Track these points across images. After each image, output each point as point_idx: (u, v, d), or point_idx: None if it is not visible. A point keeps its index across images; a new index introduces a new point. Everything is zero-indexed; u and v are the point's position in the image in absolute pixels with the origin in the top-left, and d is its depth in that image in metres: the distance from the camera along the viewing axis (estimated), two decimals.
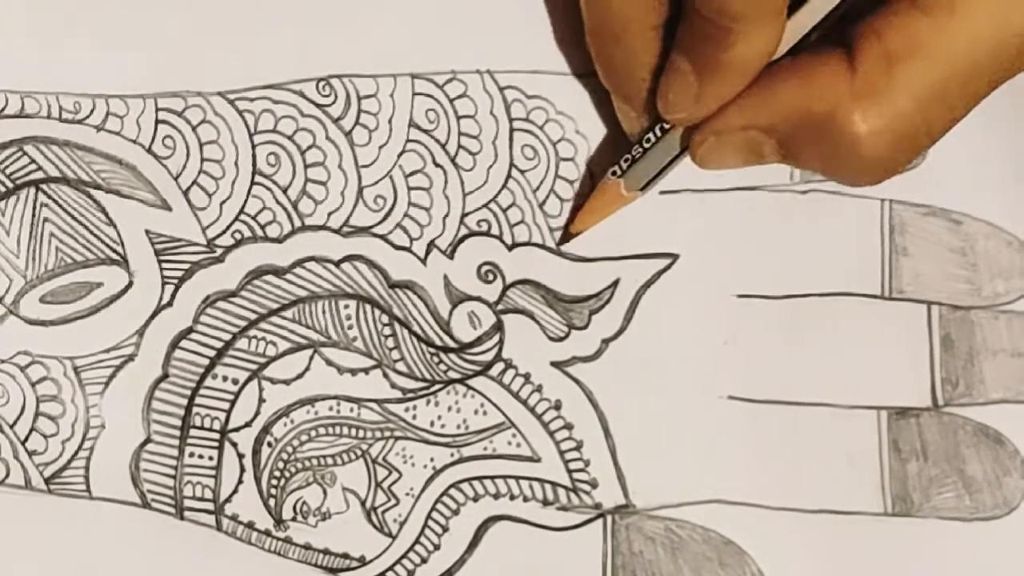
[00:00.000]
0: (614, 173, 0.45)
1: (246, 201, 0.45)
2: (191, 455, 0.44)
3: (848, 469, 0.48)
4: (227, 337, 0.45)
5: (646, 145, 0.44)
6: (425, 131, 0.46)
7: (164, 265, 0.45)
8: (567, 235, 0.47)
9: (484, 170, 0.46)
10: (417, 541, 0.46)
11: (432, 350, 0.46)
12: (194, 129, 0.45)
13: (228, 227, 0.45)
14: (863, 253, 0.48)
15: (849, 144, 0.41)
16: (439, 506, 0.46)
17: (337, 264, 0.46)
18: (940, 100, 0.41)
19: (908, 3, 0.41)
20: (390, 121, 0.46)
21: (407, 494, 0.46)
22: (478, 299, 0.46)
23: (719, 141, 0.42)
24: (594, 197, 0.46)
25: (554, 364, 0.47)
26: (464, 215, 0.46)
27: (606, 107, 0.47)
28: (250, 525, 0.45)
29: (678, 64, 0.42)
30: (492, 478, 0.46)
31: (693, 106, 0.42)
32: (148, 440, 0.44)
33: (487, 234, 0.46)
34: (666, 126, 0.44)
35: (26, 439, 0.44)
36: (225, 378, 0.45)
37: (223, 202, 0.45)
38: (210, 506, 0.45)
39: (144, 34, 0.45)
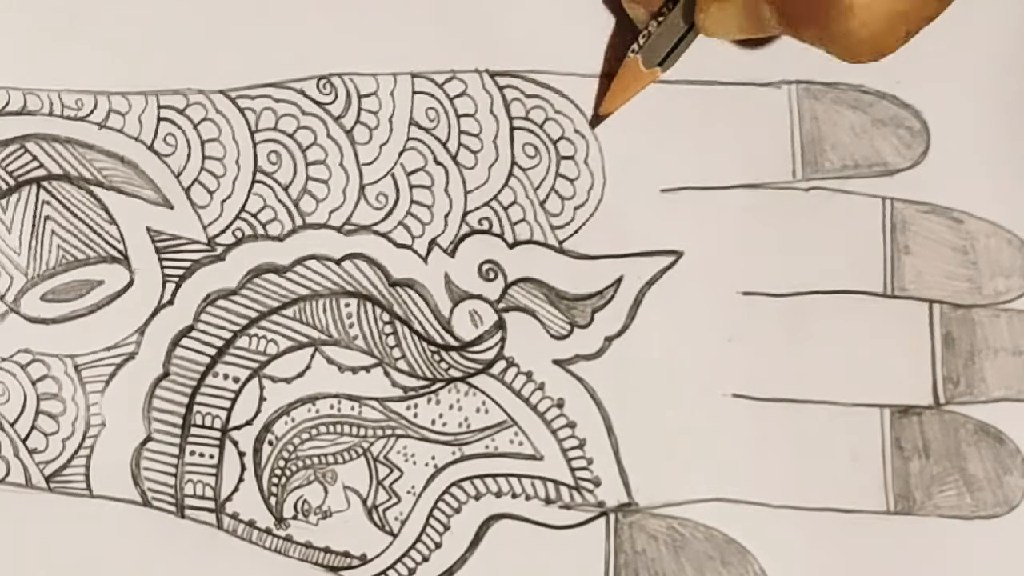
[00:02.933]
0: (633, 51, 0.45)
1: (247, 199, 0.45)
2: (192, 453, 0.44)
3: (851, 467, 0.48)
4: (228, 335, 0.45)
5: (660, 19, 0.44)
6: (426, 129, 0.46)
7: (165, 263, 0.45)
8: (597, 118, 0.47)
9: (485, 168, 0.47)
10: (418, 539, 0.46)
11: (433, 348, 0.46)
12: (195, 127, 0.45)
13: (229, 225, 0.45)
14: (865, 251, 0.49)
15: (843, 15, 0.41)
16: (440, 504, 0.46)
17: (338, 262, 0.45)
18: None
19: None
20: (391, 119, 0.46)
21: (408, 492, 0.46)
22: (479, 297, 0.46)
23: (721, 7, 0.43)
24: (619, 76, 0.46)
25: (556, 362, 0.47)
26: (465, 213, 0.46)
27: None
28: (251, 523, 0.45)
29: None
30: (494, 476, 0.46)
31: None
32: (149, 438, 0.44)
33: (488, 232, 0.46)
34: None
35: (27, 437, 0.44)
36: (226, 376, 0.45)
37: (224, 200, 0.45)
38: (211, 504, 0.44)
39: (146, 31, 0.45)
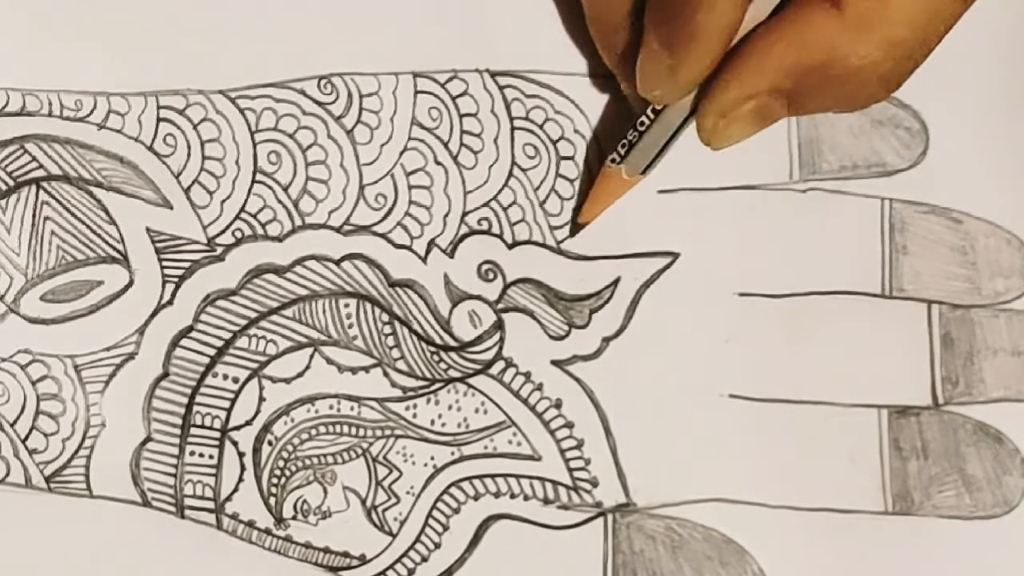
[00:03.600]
0: (613, 160, 0.45)
1: (247, 199, 0.45)
2: (191, 454, 0.44)
3: (849, 467, 0.48)
4: (227, 336, 0.45)
5: (641, 128, 0.44)
6: (428, 129, 0.46)
7: (165, 263, 0.45)
8: (576, 227, 0.47)
9: (486, 168, 0.47)
10: (417, 540, 0.46)
11: (432, 349, 0.46)
12: (195, 127, 0.45)
13: (229, 225, 0.45)
14: (863, 252, 0.49)
15: (852, 79, 0.41)
16: (440, 505, 0.46)
17: (337, 263, 0.46)
18: (929, 16, 0.41)
19: None
20: (392, 119, 0.46)
21: (407, 493, 0.46)
22: (478, 298, 0.46)
23: (728, 119, 0.42)
24: (597, 185, 0.46)
25: (555, 363, 0.47)
26: (465, 214, 0.46)
27: (605, 107, 0.47)
28: (250, 524, 0.45)
29: (649, 41, 0.42)
30: (493, 477, 0.46)
31: (669, 81, 0.42)
32: (148, 439, 0.44)
33: (488, 232, 0.46)
34: (658, 107, 0.44)
35: (26, 437, 0.44)
36: (225, 377, 0.45)
37: (224, 200, 0.45)
38: (210, 505, 0.45)
39: (146, 32, 0.45)
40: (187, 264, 0.45)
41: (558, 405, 0.46)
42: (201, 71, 0.45)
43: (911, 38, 0.41)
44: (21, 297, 0.44)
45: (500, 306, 0.46)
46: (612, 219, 0.47)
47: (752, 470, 0.47)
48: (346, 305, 0.46)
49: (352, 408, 0.45)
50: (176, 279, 0.45)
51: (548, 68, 0.47)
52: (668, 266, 0.47)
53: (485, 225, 0.46)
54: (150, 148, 0.45)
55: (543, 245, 0.47)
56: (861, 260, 0.48)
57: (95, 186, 0.44)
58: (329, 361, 0.45)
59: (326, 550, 0.45)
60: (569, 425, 0.47)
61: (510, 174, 0.47)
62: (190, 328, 0.45)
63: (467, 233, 0.46)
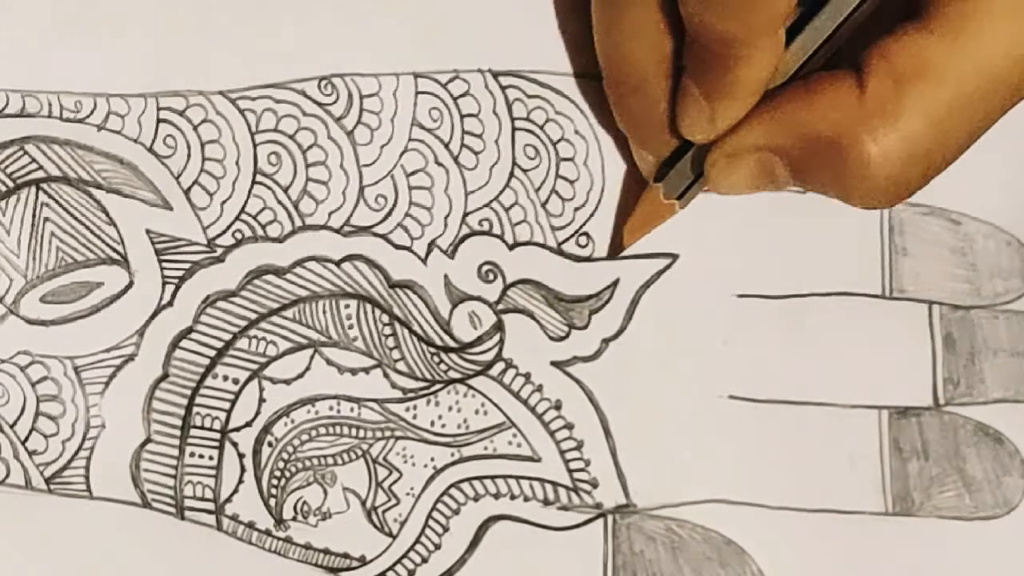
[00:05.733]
0: (657, 180, 0.45)
1: (247, 200, 0.45)
2: (191, 455, 0.44)
3: (849, 468, 0.48)
4: (227, 337, 0.45)
5: (680, 152, 0.44)
6: (429, 130, 0.46)
7: (165, 265, 0.45)
8: (617, 248, 0.47)
9: (487, 169, 0.47)
10: (417, 541, 0.46)
11: (432, 350, 0.46)
12: (195, 128, 0.45)
13: (229, 227, 0.45)
14: (863, 253, 0.48)
15: (859, 166, 0.41)
16: (440, 506, 0.46)
17: (338, 264, 0.46)
18: (952, 120, 0.40)
19: (917, 24, 0.40)
20: (392, 120, 0.46)
21: (407, 494, 0.46)
22: (478, 299, 0.46)
23: (730, 163, 0.42)
24: (640, 205, 0.46)
25: (554, 364, 0.47)
26: (466, 214, 0.46)
27: (604, 108, 0.47)
28: (250, 525, 0.45)
29: (689, 89, 0.42)
30: (492, 478, 0.46)
31: (708, 127, 0.42)
32: (148, 440, 0.44)
33: (488, 233, 0.46)
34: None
35: (26, 439, 0.44)
36: (225, 378, 0.45)
37: (224, 201, 0.45)
38: (210, 506, 0.45)
39: (145, 33, 0.45)
40: (187, 265, 0.45)
41: (558, 406, 0.47)
42: (201, 72, 0.45)
43: (926, 135, 0.40)
44: (21, 298, 0.44)
45: (500, 307, 0.46)
46: (612, 220, 0.47)
47: (752, 471, 0.47)
48: (346, 306, 0.46)
49: (352, 409, 0.45)
50: (176, 280, 0.45)
51: (550, 68, 0.47)
52: (668, 267, 0.47)
53: (486, 226, 0.46)
54: (150, 149, 0.45)
55: (544, 246, 0.47)
56: (861, 261, 0.48)
57: (95, 187, 0.44)
58: (329, 362, 0.45)
59: (326, 551, 0.45)
60: (569, 426, 0.47)
61: (511, 175, 0.47)
62: (190, 329, 0.45)
63: (468, 234, 0.46)
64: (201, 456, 0.45)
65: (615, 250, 0.47)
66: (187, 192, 0.45)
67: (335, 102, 0.46)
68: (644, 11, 0.42)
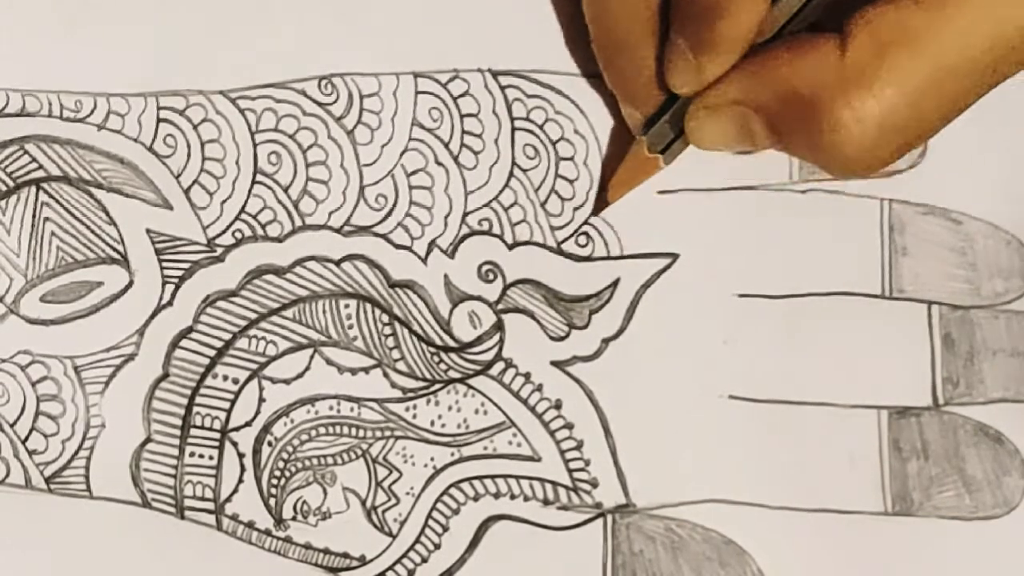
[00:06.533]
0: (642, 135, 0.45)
1: (247, 200, 0.45)
2: (191, 455, 0.44)
3: (848, 468, 0.48)
4: (227, 336, 0.45)
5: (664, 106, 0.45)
6: (429, 130, 0.46)
7: (165, 264, 0.45)
8: (601, 204, 0.47)
9: (487, 169, 0.47)
10: (417, 540, 0.46)
11: (432, 349, 0.46)
12: (195, 128, 0.45)
13: (229, 226, 0.45)
14: (863, 253, 0.49)
15: (832, 130, 0.41)
16: (439, 505, 0.46)
17: (337, 263, 0.46)
18: (930, 94, 0.40)
19: None
20: (393, 120, 0.46)
21: (407, 493, 0.46)
22: (478, 298, 0.46)
23: (708, 115, 0.43)
24: (626, 160, 0.46)
25: (554, 363, 0.47)
26: (466, 214, 0.46)
27: (604, 108, 0.47)
28: (250, 525, 0.45)
29: (677, 41, 0.42)
30: (492, 477, 0.46)
31: (694, 79, 0.43)
32: (148, 439, 0.44)
33: (488, 233, 0.46)
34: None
35: (26, 438, 0.44)
36: (225, 377, 0.45)
37: (224, 201, 0.45)
38: (210, 506, 0.45)
39: (145, 32, 0.45)
40: (187, 265, 0.45)
41: (558, 406, 0.47)
42: (201, 71, 0.45)
43: (902, 106, 0.40)
44: (21, 298, 0.44)
45: (500, 307, 0.46)
46: (612, 220, 0.47)
47: (752, 471, 0.47)
48: (346, 306, 0.46)
49: (352, 409, 0.45)
50: (176, 280, 0.45)
51: (549, 68, 0.47)
52: (668, 267, 0.47)
53: (486, 226, 0.46)
54: (150, 149, 0.45)
55: (543, 246, 0.47)
56: (861, 261, 0.48)
57: (95, 187, 0.44)
58: (329, 362, 0.45)
59: (326, 551, 0.45)
60: (569, 426, 0.47)
61: (511, 175, 0.47)
62: (190, 329, 0.45)
63: (468, 234, 0.46)
64: (201, 456, 0.45)
65: (600, 206, 0.47)
66: (187, 192, 0.45)
67: (335, 102, 0.46)
68: None
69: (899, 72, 0.40)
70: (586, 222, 0.47)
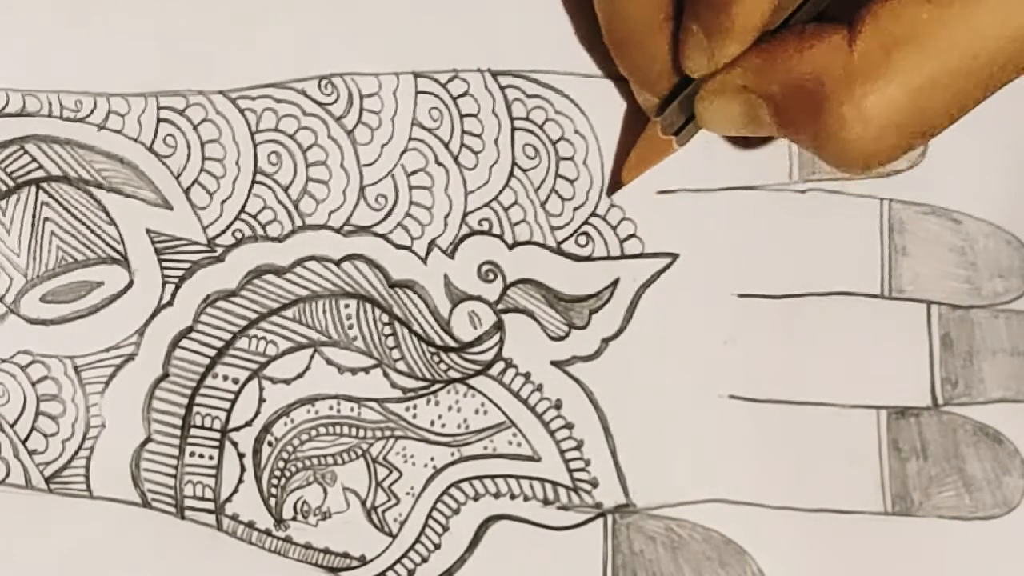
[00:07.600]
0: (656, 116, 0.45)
1: (247, 200, 0.45)
2: (191, 454, 0.44)
3: (848, 468, 0.48)
4: (227, 336, 0.45)
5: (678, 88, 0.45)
6: (429, 130, 0.46)
7: (165, 264, 0.45)
8: (616, 185, 0.47)
9: (487, 169, 0.47)
10: (417, 540, 0.46)
11: (432, 349, 0.46)
12: (195, 128, 0.45)
13: (229, 226, 0.45)
14: (863, 253, 0.49)
15: (835, 123, 0.40)
16: (439, 505, 0.46)
17: (337, 263, 0.46)
18: (936, 92, 0.40)
19: None
20: (393, 119, 0.46)
21: (407, 493, 0.46)
22: (478, 298, 0.46)
23: (717, 98, 0.43)
24: (641, 141, 0.46)
25: (554, 363, 0.47)
26: (466, 214, 0.46)
27: (604, 108, 0.47)
28: (250, 525, 0.45)
29: (690, 26, 0.42)
30: (492, 477, 0.46)
31: (707, 63, 0.42)
32: (148, 439, 0.44)
33: (488, 233, 0.46)
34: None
35: (26, 438, 0.44)
36: (225, 377, 0.45)
37: (224, 201, 0.45)
38: (210, 506, 0.45)
39: (145, 32, 0.45)
40: (187, 265, 0.45)
41: (558, 406, 0.47)
42: (201, 71, 0.45)
43: (906, 103, 0.40)
44: (21, 298, 0.44)
45: (500, 307, 0.46)
46: (612, 219, 0.47)
47: (752, 471, 0.47)
48: (346, 306, 0.46)
49: (352, 409, 0.45)
50: (176, 280, 0.45)
51: (549, 68, 0.47)
52: (667, 267, 0.47)
53: (486, 226, 0.47)
54: (150, 149, 0.45)
55: (543, 246, 0.47)
56: (860, 261, 0.48)
57: (95, 187, 0.44)
58: (329, 362, 0.45)
59: (326, 551, 0.45)
60: (569, 426, 0.47)
61: (511, 175, 0.47)
62: (190, 329, 0.45)
63: (468, 234, 0.46)
64: (201, 456, 0.45)
65: (614, 187, 0.47)
66: (187, 191, 0.45)
67: (335, 102, 0.46)
68: None
69: (906, 68, 0.40)
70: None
